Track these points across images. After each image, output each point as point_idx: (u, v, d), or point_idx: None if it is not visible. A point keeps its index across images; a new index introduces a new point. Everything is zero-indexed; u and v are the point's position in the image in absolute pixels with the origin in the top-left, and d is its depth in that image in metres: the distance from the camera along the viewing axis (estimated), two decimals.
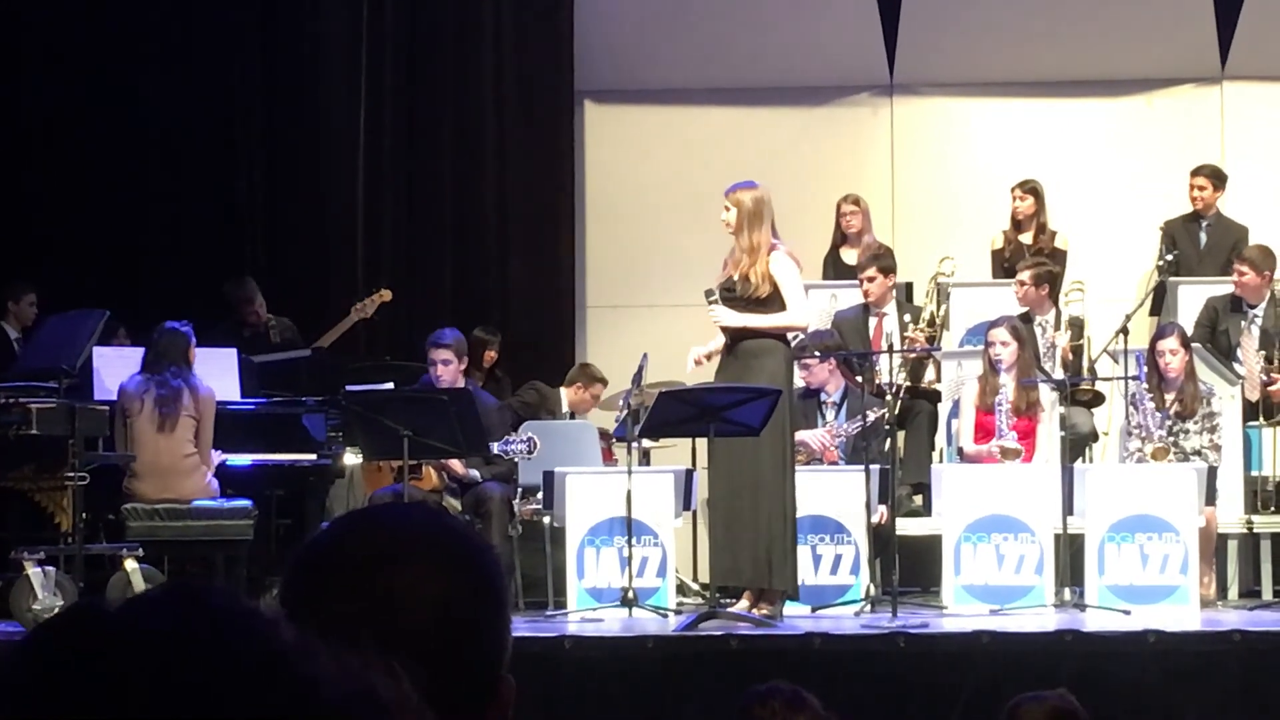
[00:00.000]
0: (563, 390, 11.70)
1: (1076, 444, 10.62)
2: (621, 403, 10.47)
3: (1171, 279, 12.03)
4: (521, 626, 8.90)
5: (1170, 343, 10.44)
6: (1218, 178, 12.42)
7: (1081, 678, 7.70)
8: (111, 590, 9.38)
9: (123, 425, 9.81)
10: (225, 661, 1.16)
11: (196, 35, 13.19)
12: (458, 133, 13.29)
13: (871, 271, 11.47)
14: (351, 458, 10.49)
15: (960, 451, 10.72)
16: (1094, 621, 9.23)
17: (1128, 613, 9.32)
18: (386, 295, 11.99)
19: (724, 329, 9.08)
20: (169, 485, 9.78)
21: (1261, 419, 10.99)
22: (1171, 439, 10.34)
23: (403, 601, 1.65)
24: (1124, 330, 10.72)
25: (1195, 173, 12.43)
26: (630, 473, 9.59)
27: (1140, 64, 13.16)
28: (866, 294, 11.48)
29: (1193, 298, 11.80)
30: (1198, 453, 10.30)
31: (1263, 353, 11.04)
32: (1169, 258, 12.05)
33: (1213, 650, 8.48)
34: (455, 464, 10.30)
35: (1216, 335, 11.38)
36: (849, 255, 12.42)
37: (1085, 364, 11.07)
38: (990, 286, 12.15)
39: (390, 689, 1.23)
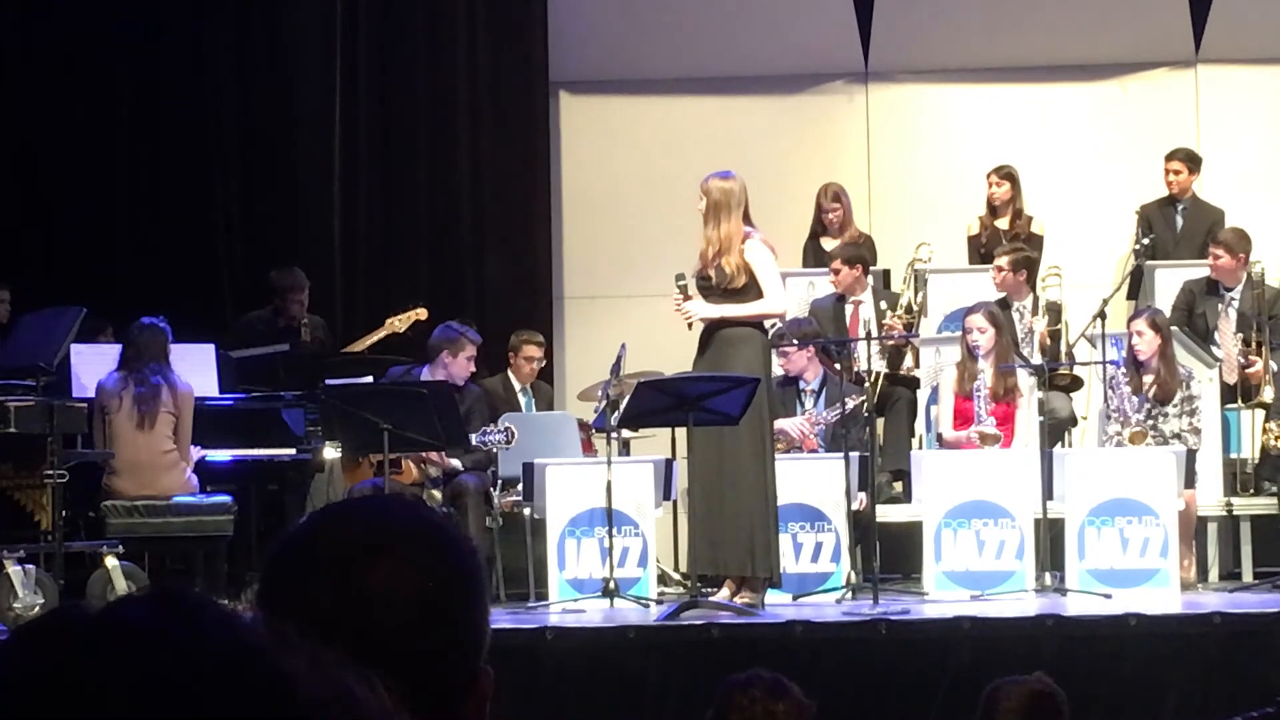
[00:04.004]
0: (509, 373, 11.63)
1: (1055, 429, 10.63)
2: (600, 393, 10.47)
3: (1148, 263, 12.04)
4: (503, 618, 8.91)
5: (1138, 324, 10.47)
6: (1192, 161, 12.42)
7: (1063, 662, 7.72)
8: (92, 587, 9.37)
9: (101, 422, 9.79)
10: (203, 661, 1.17)
11: (169, 27, 13.16)
12: (432, 125, 13.27)
13: (837, 263, 11.52)
14: (331, 452, 10.48)
15: (939, 438, 10.73)
16: (1075, 606, 9.25)
17: (1108, 596, 9.34)
18: (422, 314, 11.78)
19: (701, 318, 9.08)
20: (148, 482, 9.77)
21: (1240, 401, 11.00)
22: (1150, 423, 10.36)
23: (379, 596, 1.65)
24: (1101, 315, 10.74)
25: (1170, 156, 12.42)
26: (610, 463, 9.58)
27: (1114, 48, 13.16)
28: (835, 284, 11.53)
29: (1169, 281, 11.81)
30: (1177, 436, 10.32)
31: (1240, 335, 11.05)
32: (1145, 242, 12.06)
33: (1193, 633, 8.51)
34: (434, 455, 10.29)
35: (1194, 318, 11.40)
36: (830, 243, 12.41)
37: (1063, 349, 11.07)
38: (967, 273, 12.14)
39: (367, 692, 1.23)
